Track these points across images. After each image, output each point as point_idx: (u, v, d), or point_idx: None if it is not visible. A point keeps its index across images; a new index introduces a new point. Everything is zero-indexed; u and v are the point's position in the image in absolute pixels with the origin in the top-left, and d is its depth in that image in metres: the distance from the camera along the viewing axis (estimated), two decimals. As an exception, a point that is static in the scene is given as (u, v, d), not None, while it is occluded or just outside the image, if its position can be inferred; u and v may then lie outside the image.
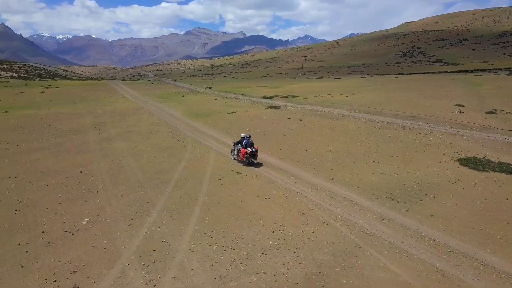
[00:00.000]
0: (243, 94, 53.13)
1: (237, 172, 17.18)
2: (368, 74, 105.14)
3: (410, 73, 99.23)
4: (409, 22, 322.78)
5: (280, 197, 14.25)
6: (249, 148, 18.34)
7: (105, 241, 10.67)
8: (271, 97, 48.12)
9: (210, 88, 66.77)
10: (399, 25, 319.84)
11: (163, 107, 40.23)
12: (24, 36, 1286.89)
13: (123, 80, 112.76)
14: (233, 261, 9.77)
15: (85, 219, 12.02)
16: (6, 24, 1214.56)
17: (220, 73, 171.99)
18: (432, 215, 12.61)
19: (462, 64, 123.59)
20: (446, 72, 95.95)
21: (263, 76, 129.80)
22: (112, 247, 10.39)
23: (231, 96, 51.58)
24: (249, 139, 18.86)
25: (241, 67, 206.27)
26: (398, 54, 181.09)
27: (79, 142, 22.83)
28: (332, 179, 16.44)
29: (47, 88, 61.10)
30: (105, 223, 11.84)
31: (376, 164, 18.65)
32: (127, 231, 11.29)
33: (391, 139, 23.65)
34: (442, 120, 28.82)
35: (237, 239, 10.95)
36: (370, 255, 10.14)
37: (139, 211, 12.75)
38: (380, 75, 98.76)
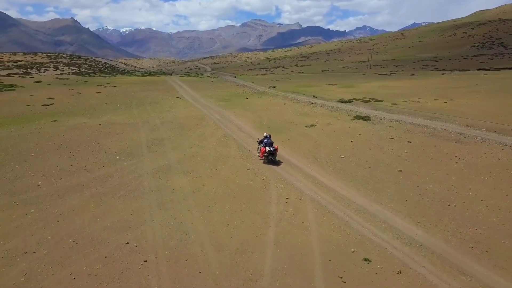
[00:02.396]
0: (314, 96, 46.31)
1: (365, 260, 10.63)
2: (444, 69, 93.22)
3: (497, 69, 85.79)
4: (483, 10, 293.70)
5: None
6: (267, 148, 19.34)
7: None
8: (350, 101, 40.87)
9: (274, 87, 60.49)
10: (471, 14, 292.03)
11: (228, 115, 34.54)
12: (91, 30, 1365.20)
13: (181, 75, 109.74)
14: None
15: None
16: (75, 19, 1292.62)
17: (278, 67, 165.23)
18: None
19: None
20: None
21: (325, 71, 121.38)
22: None
23: (301, 98, 44.91)
24: (269, 138, 19.89)
25: (299, 60, 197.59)
26: (474, 46, 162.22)
27: (130, 176, 17.51)
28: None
29: (105, 87, 58.39)
30: None
31: None
32: None
33: None
34: None
35: None
36: None
37: None
38: (461, 70, 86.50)
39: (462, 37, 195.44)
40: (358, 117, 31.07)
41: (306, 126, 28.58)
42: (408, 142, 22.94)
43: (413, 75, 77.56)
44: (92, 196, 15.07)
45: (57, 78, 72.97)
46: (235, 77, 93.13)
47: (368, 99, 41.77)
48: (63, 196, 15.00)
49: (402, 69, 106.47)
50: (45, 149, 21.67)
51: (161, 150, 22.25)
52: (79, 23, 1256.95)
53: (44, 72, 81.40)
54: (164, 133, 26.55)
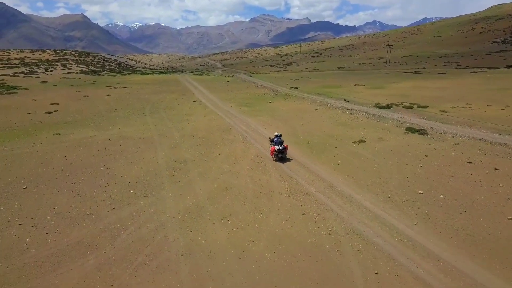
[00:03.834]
0: (345, 100, 41.53)
1: None
2: (468, 66, 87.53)
3: (528, 66, 79.95)
4: (501, 4, 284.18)
5: None
6: (276, 146, 20.34)
7: None
8: (389, 107, 36.14)
9: (296, 88, 55.75)
10: (488, 8, 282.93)
11: (255, 125, 29.96)
12: (101, 25, 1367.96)
13: (194, 73, 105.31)
14: None
15: None
16: (85, 14, 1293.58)
17: (291, 63, 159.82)
18: None
19: None
20: None
21: (341, 68, 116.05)
22: None
23: (332, 102, 40.16)
24: (280, 138, 20.85)
25: (312, 56, 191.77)
26: (495, 42, 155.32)
27: (149, 226, 13.01)
28: None
29: (115, 88, 54.16)
30: None
31: None
32: None
33: None
34: None
35: None
36: None
37: None
38: (489, 68, 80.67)
39: (481, 32, 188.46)
40: (412, 130, 26.29)
41: (353, 142, 23.88)
42: (496, 169, 18.13)
43: (441, 73, 72.30)
44: (98, 266, 10.64)
45: (64, 77, 68.99)
46: (250, 75, 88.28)
47: (409, 104, 36.98)
48: (57, 266, 10.60)
49: (423, 66, 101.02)
50: (41, 178, 17.34)
51: (185, 178, 17.76)
52: (88, 19, 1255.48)
53: (51, 71, 77.43)
54: (186, 152, 22.04)
